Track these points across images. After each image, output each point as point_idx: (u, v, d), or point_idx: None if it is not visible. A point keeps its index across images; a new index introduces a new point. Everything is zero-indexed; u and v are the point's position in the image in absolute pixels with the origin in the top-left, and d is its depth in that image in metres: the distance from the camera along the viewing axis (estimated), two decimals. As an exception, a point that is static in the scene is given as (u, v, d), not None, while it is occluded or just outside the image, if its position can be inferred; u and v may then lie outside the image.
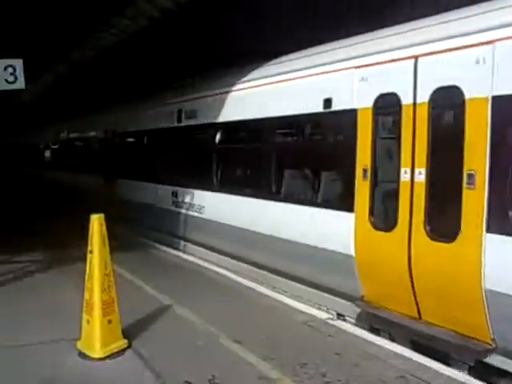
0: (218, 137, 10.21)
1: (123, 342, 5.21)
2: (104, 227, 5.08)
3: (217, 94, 10.35)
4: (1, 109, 38.94)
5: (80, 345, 5.12)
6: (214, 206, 10.19)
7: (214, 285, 7.94)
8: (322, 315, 6.58)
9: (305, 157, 8.10)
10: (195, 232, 11.00)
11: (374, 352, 5.30)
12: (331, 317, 6.65)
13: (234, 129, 9.97)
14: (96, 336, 4.96)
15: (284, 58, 8.97)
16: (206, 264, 9.44)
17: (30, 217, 15.55)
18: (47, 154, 26.20)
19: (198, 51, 16.48)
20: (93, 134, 18.65)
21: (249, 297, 7.30)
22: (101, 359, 4.96)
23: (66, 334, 5.52)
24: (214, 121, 10.29)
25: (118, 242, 6.56)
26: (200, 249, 10.75)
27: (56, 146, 24.86)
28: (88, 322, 5.03)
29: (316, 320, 6.27)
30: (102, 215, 5.10)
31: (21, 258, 9.54)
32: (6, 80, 11.15)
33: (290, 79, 8.16)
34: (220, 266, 9.28)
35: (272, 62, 9.24)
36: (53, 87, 34.19)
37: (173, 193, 11.81)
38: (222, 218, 9.71)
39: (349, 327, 6.17)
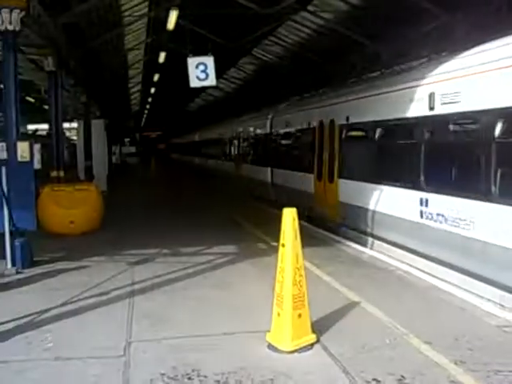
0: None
1: (312, 337, 5.32)
2: (296, 221, 5.18)
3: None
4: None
5: (270, 337, 5.31)
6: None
7: (402, 283, 7.81)
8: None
9: None
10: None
11: None
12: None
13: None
14: (286, 329, 5.12)
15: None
16: (394, 262, 9.21)
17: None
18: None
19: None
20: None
21: (437, 297, 7.08)
22: (290, 352, 5.11)
23: (256, 326, 5.78)
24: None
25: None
26: (391, 247, 10.45)
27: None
28: (279, 314, 5.21)
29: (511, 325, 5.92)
30: (294, 209, 5.21)
31: (211, 250, 10.24)
32: (198, 77, 11.98)
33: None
34: (411, 266, 9.00)
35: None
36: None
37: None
38: None
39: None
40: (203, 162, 38.44)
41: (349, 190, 12.49)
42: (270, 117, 20.29)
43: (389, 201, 10.65)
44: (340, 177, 12.98)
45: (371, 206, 11.25)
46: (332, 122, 13.61)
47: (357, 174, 12.25)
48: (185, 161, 51.30)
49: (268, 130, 20.37)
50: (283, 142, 18.78)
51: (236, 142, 26.74)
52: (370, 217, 11.38)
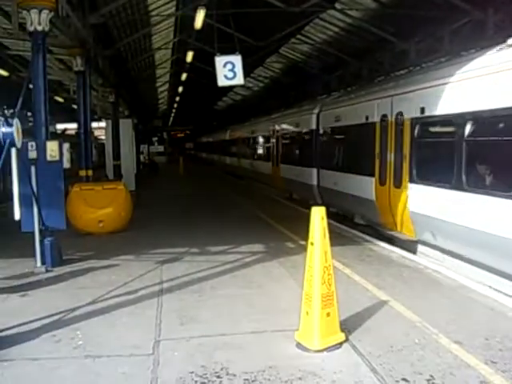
0: None
1: (341, 336, 5.30)
2: (325, 220, 5.17)
3: None
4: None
5: (298, 336, 5.30)
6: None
7: (431, 282, 7.73)
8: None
9: None
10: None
11: None
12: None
13: None
14: (315, 328, 5.10)
15: None
16: (424, 262, 9.12)
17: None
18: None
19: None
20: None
21: (467, 296, 6.99)
22: (318, 351, 5.10)
23: (284, 325, 5.79)
24: None
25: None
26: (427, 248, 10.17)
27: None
28: (307, 313, 5.19)
29: (543, 324, 5.83)
30: (323, 208, 5.20)
31: (239, 249, 10.25)
32: (226, 76, 11.95)
33: None
34: (441, 265, 8.91)
35: None
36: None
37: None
38: None
39: None
40: (234, 161, 36.65)
41: (428, 197, 10.16)
42: (315, 111, 17.81)
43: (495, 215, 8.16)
44: (412, 181, 10.67)
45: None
46: (400, 114, 11.36)
47: (440, 179, 9.72)
48: (213, 160, 50.69)
49: (314, 127, 17.70)
50: (333, 139, 16.24)
51: (274, 140, 23.98)
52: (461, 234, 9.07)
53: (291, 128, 21.22)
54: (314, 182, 17.33)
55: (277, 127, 23.58)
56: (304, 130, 18.96)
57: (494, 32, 14.67)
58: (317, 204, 13.60)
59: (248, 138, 31.08)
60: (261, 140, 27.53)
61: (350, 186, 13.89)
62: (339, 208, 15.20)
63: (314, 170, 17.35)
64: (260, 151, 27.86)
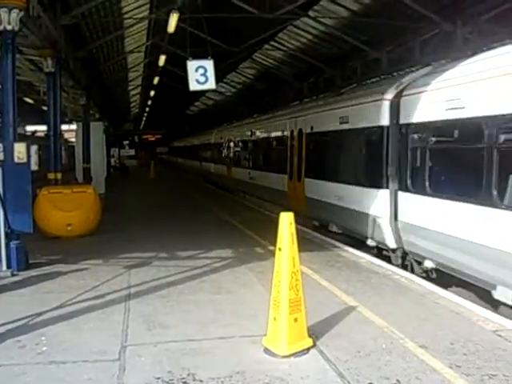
0: None
1: (308, 341, 5.31)
2: (293, 225, 5.17)
3: None
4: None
5: (266, 341, 5.30)
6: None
7: (399, 288, 7.80)
8: (513, 325, 6.20)
9: None
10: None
11: None
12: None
13: None
14: (282, 333, 5.10)
15: None
16: (393, 268, 9.24)
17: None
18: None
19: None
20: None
21: (434, 302, 7.07)
22: (286, 357, 5.09)
23: (253, 331, 5.79)
24: None
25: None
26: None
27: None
28: (275, 319, 5.19)
29: (506, 330, 5.90)
30: (291, 213, 5.20)
31: (208, 254, 10.21)
32: (197, 80, 11.93)
33: None
34: (407, 271, 9.02)
35: None
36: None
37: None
38: None
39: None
40: (222, 170, 28.66)
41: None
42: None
43: None
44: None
45: None
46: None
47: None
48: (188, 165, 47.48)
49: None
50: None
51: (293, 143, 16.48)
52: None
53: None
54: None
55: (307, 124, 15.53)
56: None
57: (463, 43, 15.05)
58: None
59: (245, 141, 24.61)
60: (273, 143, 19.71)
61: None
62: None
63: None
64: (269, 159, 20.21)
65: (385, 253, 10.64)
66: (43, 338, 5.70)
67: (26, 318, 6.38)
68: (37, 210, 11.26)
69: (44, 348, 5.44)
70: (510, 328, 6.00)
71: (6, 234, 8.64)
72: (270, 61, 27.03)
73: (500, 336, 5.72)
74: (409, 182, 9.61)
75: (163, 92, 38.03)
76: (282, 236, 5.16)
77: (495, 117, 7.29)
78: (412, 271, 9.52)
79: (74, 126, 27.14)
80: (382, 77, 17.14)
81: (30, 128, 36.57)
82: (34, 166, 9.53)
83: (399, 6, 15.65)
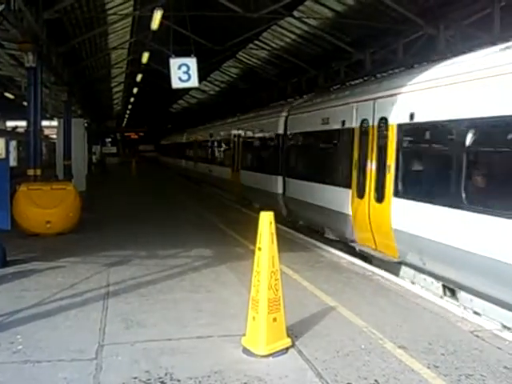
0: None
1: (287, 341, 5.29)
2: (273, 225, 5.15)
3: None
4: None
5: (245, 341, 5.27)
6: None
7: (379, 289, 7.82)
8: (490, 326, 6.25)
9: None
10: None
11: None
12: (499, 328, 6.30)
13: None
14: (261, 333, 5.08)
15: None
16: (373, 268, 9.25)
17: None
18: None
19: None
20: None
21: (413, 302, 7.10)
22: (264, 356, 5.07)
23: (232, 330, 5.76)
24: None
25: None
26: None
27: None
28: (254, 318, 5.17)
29: (483, 330, 5.96)
30: (271, 213, 5.17)
31: (189, 253, 10.16)
32: (180, 78, 11.88)
33: None
34: (387, 271, 9.07)
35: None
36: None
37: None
38: None
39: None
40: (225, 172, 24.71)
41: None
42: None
43: None
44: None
45: None
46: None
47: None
48: (172, 163, 46.32)
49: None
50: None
51: None
52: None
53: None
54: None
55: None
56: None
57: (445, 46, 15.18)
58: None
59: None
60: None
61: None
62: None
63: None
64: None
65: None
66: (19, 337, 5.61)
67: (2, 316, 6.28)
68: (15, 207, 11.12)
69: (19, 347, 5.36)
70: (487, 328, 6.06)
71: (-17, 231, 8.52)
72: (254, 60, 27.02)
73: (477, 336, 5.76)
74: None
75: (146, 89, 37.82)
76: (261, 235, 5.14)
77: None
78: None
79: (55, 123, 26.90)
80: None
81: (10, 124, 36.21)
82: (12, 162, 9.38)
83: (383, 8, 15.79)
